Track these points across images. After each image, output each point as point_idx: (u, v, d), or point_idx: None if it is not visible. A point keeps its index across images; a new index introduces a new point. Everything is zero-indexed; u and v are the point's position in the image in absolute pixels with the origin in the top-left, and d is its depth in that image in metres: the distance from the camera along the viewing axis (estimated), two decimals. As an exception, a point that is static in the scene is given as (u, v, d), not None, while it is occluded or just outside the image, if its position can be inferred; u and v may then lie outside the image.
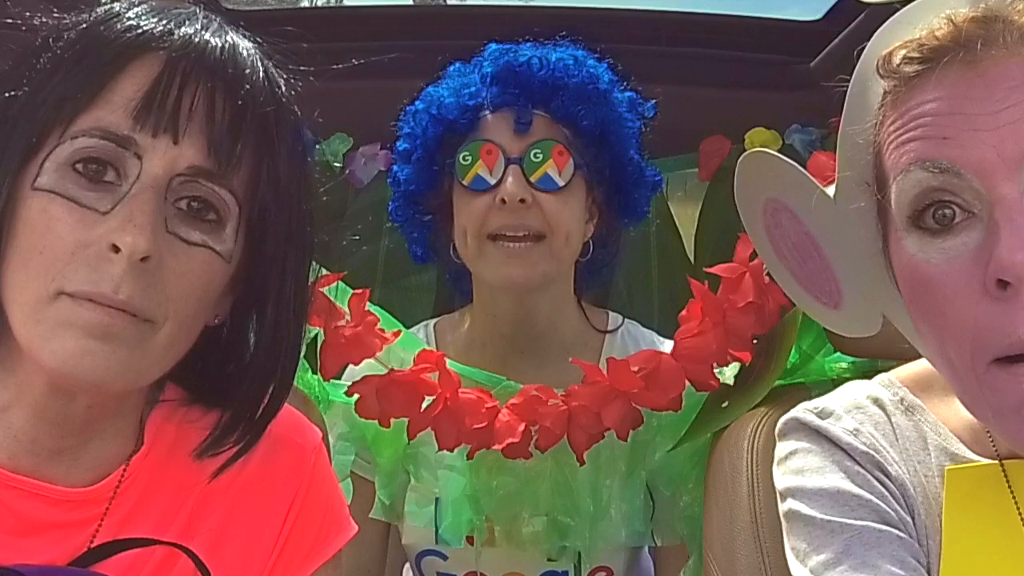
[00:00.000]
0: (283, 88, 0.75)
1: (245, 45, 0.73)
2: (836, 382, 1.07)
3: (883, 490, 0.73)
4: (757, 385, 1.14)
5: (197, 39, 0.69)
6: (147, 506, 0.76)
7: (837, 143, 0.72)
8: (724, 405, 1.18)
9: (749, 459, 1.03)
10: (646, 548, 1.37)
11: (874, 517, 0.72)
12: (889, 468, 0.74)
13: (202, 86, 0.68)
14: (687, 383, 1.18)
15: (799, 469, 0.76)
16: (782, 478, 0.78)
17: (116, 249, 0.65)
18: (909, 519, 0.73)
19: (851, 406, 0.79)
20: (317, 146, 2.05)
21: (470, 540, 1.25)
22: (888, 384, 0.81)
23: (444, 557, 1.29)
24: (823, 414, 0.79)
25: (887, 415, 0.78)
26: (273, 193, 0.73)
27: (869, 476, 0.74)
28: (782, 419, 0.81)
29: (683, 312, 1.21)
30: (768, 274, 1.18)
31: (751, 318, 1.16)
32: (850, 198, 0.71)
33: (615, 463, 1.25)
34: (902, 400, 0.79)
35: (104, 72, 0.68)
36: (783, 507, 0.77)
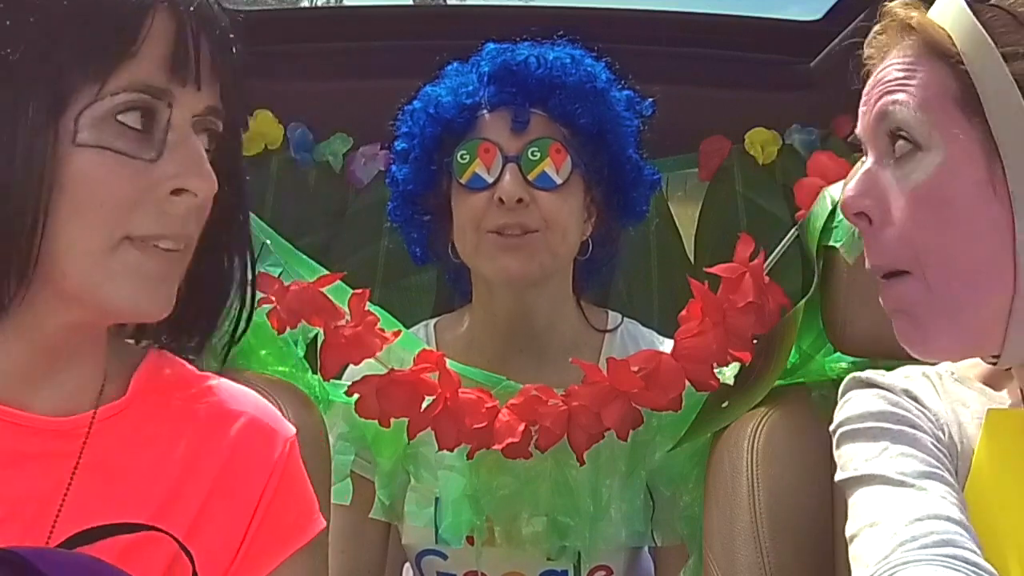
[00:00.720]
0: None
1: None
2: (836, 382, 1.07)
3: (919, 413, 0.82)
4: (757, 385, 1.14)
5: None
6: (129, 446, 0.78)
7: None
8: (724, 405, 1.18)
9: (749, 459, 1.03)
10: (646, 548, 1.37)
11: (911, 428, 0.80)
12: (925, 403, 0.83)
13: (207, 36, 0.75)
14: (687, 383, 1.18)
15: (851, 408, 0.85)
16: (837, 419, 0.87)
17: (178, 192, 0.72)
18: (942, 436, 0.81)
19: (901, 376, 0.88)
20: (317, 146, 2.05)
21: (470, 540, 1.25)
22: (937, 365, 0.89)
23: (444, 557, 1.29)
24: (877, 374, 0.88)
25: (932, 384, 0.86)
26: (234, 123, 0.81)
27: (907, 403, 0.83)
28: (844, 381, 0.90)
29: (683, 312, 1.21)
30: (768, 274, 1.18)
31: (751, 318, 1.16)
32: None
33: (615, 463, 1.25)
34: (952, 373, 0.87)
35: (126, 29, 0.71)
36: (835, 441, 0.85)
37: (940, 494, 0.73)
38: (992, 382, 0.85)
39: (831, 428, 0.87)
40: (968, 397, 0.84)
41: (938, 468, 0.76)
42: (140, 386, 0.82)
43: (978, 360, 0.86)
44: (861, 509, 0.77)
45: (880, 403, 0.83)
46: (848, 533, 0.77)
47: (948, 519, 0.71)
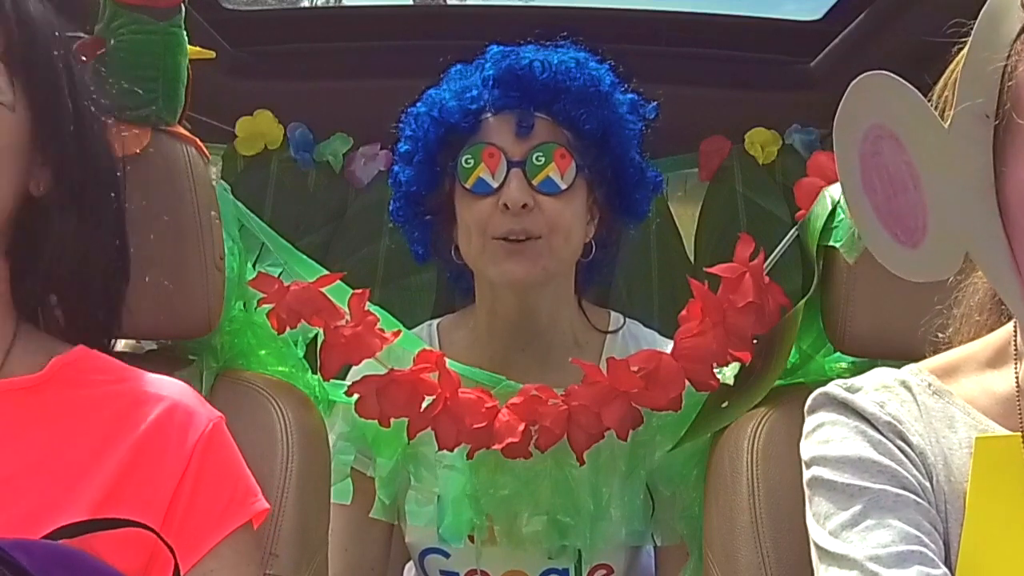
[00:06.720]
0: None
1: None
2: (836, 382, 1.07)
3: (902, 456, 0.77)
4: (757, 385, 1.14)
5: None
6: (36, 423, 0.80)
7: (959, 77, 0.70)
8: (724, 405, 1.18)
9: (749, 459, 1.03)
10: (648, 546, 1.37)
11: (893, 483, 0.75)
12: (910, 437, 0.78)
13: None
14: (687, 383, 1.18)
15: (825, 439, 0.80)
16: (807, 447, 0.82)
17: None
18: (928, 484, 0.76)
19: (879, 385, 0.83)
20: (317, 146, 2.05)
21: (471, 538, 1.25)
22: (917, 372, 0.84)
23: (446, 555, 1.29)
24: (851, 389, 0.82)
25: (913, 396, 0.81)
26: (28, 45, 0.80)
27: (890, 444, 0.77)
28: (812, 394, 0.85)
29: (683, 312, 1.21)
30: (768, 274, 1.18)
31: (751, 318, 1.16)
32: (966, 129, 0.70)
33: (615, 463, 1.25)
34: (930, 385, 0.82)
35: None
36: (807, 475, 0.81)
37: None
38: (974, 374, 0.81)
39: (804, 456, 0.82)
40: (952, 416, 0.80)
41: (918, 541, 0.72)
42: (58, 370, 0.83)
43: (951, 357, 0.83)
44: None
45: (860, 446, 0.77)
46: None
47: None
